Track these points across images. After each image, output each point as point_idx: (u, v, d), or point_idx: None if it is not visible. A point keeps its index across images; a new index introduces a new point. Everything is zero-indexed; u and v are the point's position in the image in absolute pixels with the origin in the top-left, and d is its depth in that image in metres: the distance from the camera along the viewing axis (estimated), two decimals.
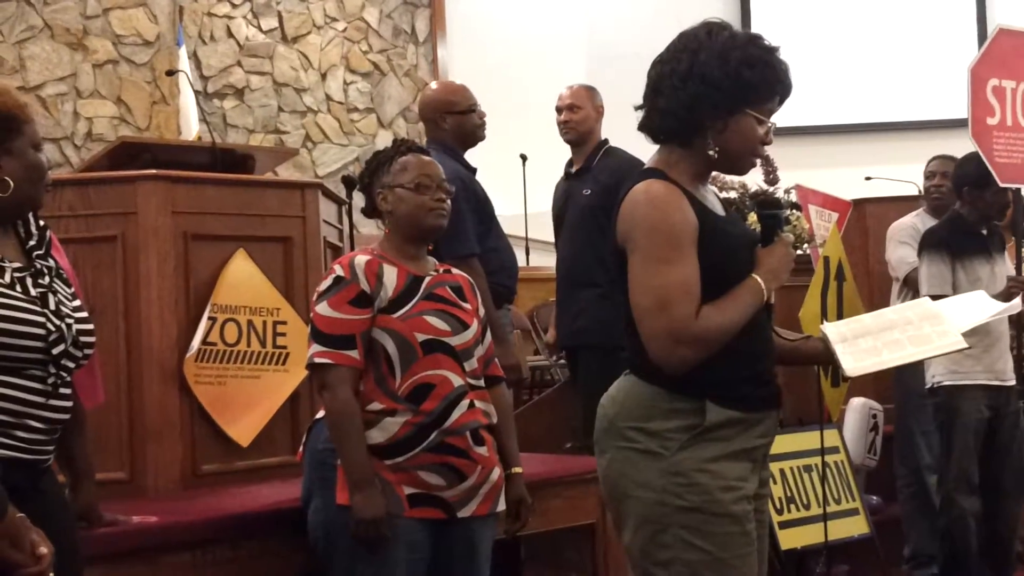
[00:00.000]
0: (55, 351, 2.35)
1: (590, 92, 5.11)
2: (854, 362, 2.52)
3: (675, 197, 2.38)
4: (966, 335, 2.60)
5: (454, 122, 4.39)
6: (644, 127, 2.52)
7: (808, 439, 4.79)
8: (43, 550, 2.02)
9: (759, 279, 2.40)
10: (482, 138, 4.51)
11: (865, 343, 2.56)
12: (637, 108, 2.53)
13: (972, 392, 4.62)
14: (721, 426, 2.36)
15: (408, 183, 3.08)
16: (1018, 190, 4.79)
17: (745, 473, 2.40)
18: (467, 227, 4.08)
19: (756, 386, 2.44)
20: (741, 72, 2.39)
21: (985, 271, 4.65)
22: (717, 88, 2.39)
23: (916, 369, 5.09)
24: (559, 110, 5.12)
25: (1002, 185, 4.67)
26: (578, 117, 5.05)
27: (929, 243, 4.75)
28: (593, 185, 4.89)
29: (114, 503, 3.11)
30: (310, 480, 3.08)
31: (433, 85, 4.91)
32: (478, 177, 4.43)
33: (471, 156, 4.51)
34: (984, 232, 4.74)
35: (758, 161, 2.51)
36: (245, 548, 3.14)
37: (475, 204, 4.23)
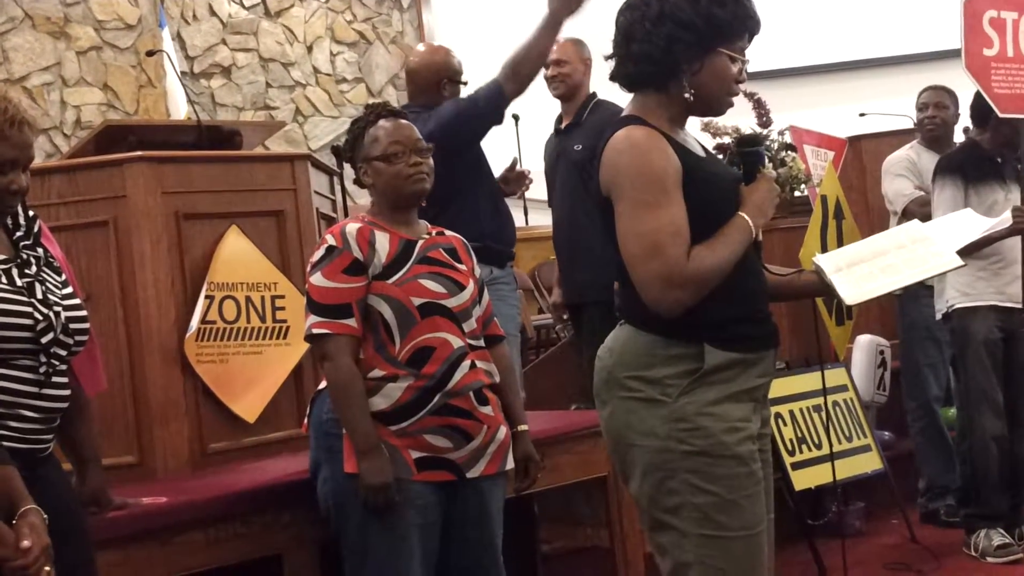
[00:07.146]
0: (44, 340, 2.34)
1: (577, 46, 5.05)
2: (852, 290, 2.51)
3: (656, 141, 2.37)
4: (964, 255, 2.59)
5: (452, 92, 4.38)
6: (618, 75, 2.50)
7: (815, 379, 4.77)
8: (26, 543, 2.00)
9: (746, 216, 2.40)
10: None
11: (860, 270, 2.54)
12: (607, 58, 2.52)
13: (983, 313, 4.64)
14: (721, 368, 2.36)
15: (380, 155, 3.06)
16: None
17: (747, 413, 2.40)
18: None
19: (753, 325, 2.43)
20: (712, 11, 2.38)
21: (1000, 195, 4.65)
22: (690, 28, 2.38)
23: (920, 302, 5.10)
24: (546, 65, 5.05)
25: (1002, 116, 4.62)
26: (565, 71, 5.01)
27: (944, 168, 4.76)
28: (584, 140, 4.83)
29: (124, 487, 3.11)
30: (317, 451, 3.07)
31: (422, 48, 4.83)
32: None
33: None
34: (999, 160, 4.73)
35: (735, 100, 2.49)
36: (257, 523, 3.13)
37: None
